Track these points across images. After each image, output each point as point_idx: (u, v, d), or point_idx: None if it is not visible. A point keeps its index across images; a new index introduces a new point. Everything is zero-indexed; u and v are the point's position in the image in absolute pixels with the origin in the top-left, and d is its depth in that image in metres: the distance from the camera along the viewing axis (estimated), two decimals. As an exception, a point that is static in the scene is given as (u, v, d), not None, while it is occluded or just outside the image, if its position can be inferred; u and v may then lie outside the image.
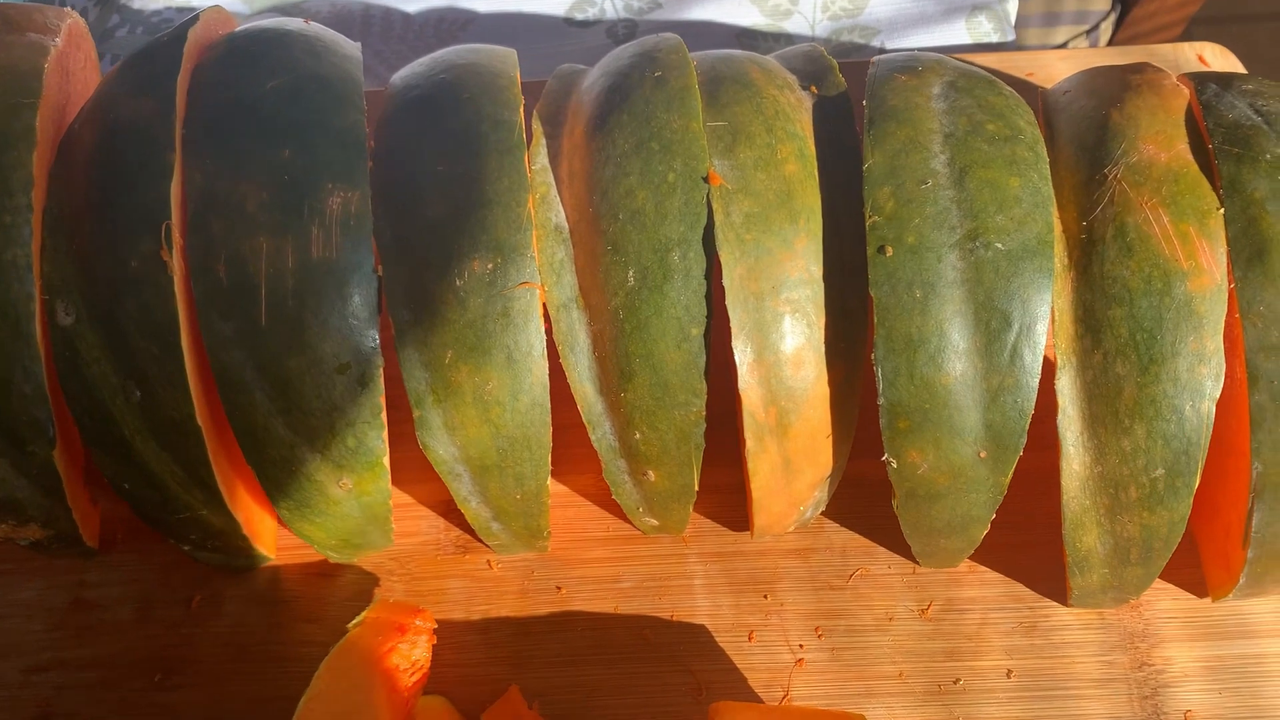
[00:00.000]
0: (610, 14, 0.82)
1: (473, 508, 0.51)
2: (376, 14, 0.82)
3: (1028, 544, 0.56)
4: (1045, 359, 0.45)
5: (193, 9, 0.83)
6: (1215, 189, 0.46)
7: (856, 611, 0.55)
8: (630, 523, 0.56)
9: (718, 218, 0.46)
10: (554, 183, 0.49)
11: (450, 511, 0.58)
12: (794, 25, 0.81)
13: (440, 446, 0.48)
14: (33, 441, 0.46)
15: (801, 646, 0.54)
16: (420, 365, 0.47)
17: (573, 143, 0.50)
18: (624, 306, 0.47)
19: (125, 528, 0.58)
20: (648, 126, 0.48)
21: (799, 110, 0.50)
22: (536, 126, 0.51)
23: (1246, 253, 0.45)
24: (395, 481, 0.58)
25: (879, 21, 0.81)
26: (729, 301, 0.46)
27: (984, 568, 0.56)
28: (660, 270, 0.46)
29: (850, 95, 0.51)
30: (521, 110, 0.49)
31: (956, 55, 0.71)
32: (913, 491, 0.48)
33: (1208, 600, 0.55)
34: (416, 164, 0.48)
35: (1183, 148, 0.47)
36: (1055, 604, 0.55)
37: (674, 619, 0.55)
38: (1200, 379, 0.44)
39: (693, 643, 0.55)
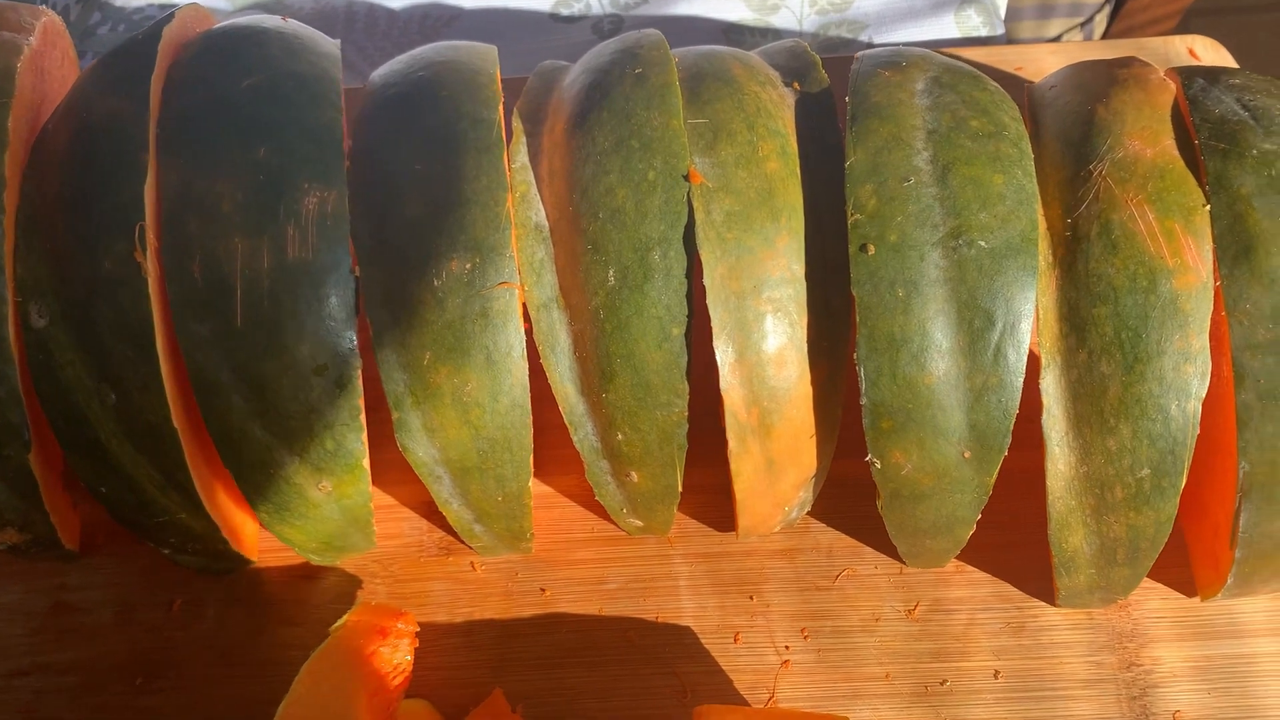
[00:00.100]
0: (596, 9, 0.81)
1: (454, 510, 0.51)
2: (360, 10, 0.82)
3: (1015, 544, 0.55)
4: (1030, 358, 0.45)
5: (175, 6, 0.82)
6: (1201, 185, 0.46)
7: (843, 612, 0.55)
8: (615, 524, 0.55)
9: (698, 216, 0.46)
10: (534, 181, 0.49)
11: (433, 513, 0.58)
12: (781, 20, 0.80)
13: (420, 449, 0.48)
14: (8, 445, 0.46)
15: (787, 648, 0.54)
16: (399, 367, 0.47)
17: (553, 140, 0.49)
18: (604, 306, 0.46)
19: (106, 531, 0.57)
20: (628, 124, 0.47)
21: (781, 107, 0.49)
22: (517, 124, 0.50)
23: (1233, 249, 0.45)
24: (377, 483, 0.58)
25: (867, 16, 0.80)
26: (710, 301, 0.45)
27: (971, 568, 0.56)
28: (641, 269, 0.46)
29: (835, 91, 0.51)
30: (501, 108, 0.49)
31: (944, 50, 0.70)
32: (897, 492, 0.47)
33: (1196, 600, 0.54)
34: (394, 163, 0.47)
35: (1169, 143, 0.47)
36: (1043, 604, 0.55)
37: (659, 621, 0.55)
38: (1186, 378, 0.44)
39: (678, 645, 0.54)
